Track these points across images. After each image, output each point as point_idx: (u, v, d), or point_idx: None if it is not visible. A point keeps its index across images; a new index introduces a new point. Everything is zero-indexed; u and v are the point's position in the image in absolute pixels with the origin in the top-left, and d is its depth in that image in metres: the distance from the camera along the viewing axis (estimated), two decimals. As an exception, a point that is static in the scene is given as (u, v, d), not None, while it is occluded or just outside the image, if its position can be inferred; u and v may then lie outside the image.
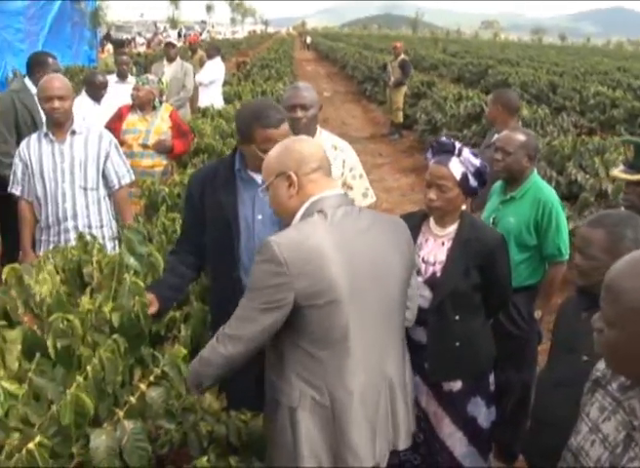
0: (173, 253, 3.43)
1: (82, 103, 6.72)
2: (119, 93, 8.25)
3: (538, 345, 4.32)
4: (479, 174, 3.21)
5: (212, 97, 10.76)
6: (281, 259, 2.27)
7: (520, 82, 19.77)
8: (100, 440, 2.10)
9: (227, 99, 11.16)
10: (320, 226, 2.36)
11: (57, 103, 4.37)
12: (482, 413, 3.32)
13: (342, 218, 2.40)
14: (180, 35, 46.61)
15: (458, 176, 3.16)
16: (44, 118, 5.72)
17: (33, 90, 5.85)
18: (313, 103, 4.03)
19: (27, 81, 5.95)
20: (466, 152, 3.21)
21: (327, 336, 2.34)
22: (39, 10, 16.00)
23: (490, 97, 6.02)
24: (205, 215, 3.27)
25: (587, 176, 7.27)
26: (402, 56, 15.75)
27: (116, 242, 4.60)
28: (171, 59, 9.73)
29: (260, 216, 3.18)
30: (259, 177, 3.16)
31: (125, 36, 33.01)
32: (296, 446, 2.38)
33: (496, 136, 5.59)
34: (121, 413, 2.16)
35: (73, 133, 4.49)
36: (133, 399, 2.20)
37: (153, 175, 6.01)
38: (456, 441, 3.30)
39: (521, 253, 3.97)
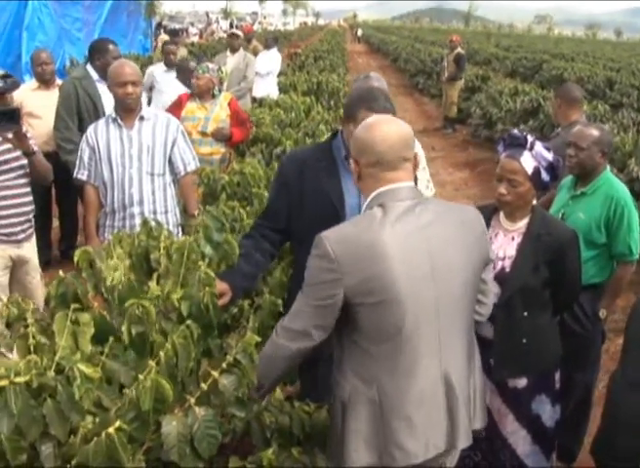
0: (248, 236, 3.36)
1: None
2: (168, 80, 8.34)
3: (601, 345, 4.24)
4: (551, 168, 3.13)
5: (268, 88, 10.78)
6: (332, 255, 2.23)
7: (576, 77, 19.38)
8: (171, 426, 2.08)
9: (283, 90, 11.16)
10: (377, 221, 2.28)
11: (130, 89, 4.38)
12: (547, 412, 3.26)
13: (404, 213, 2.30)
14: (231, 26, 46.72)
15: (529, 171, 3.10)
16: (106, 104, 5.80)
17: (95, 76, 5.92)
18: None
19: (89, 68, 6.01)
20: (539, 146, 3.14)
21: (380, 334, 2.29)
22: (96, -1, 16.21)
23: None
24: (301, 201, 3.21)
25: (651, 174, 7.10)
26: (458, 49, 15.56)
27: (179, 228, 4.60)
28: (234, 50, 9.75)
29: (360, 201, 3.11)
30: None
31: (177, 26, 33.22)
32: (344, 440, 2.36)
33: (559, 130, 5.50)
34: (192, 400, 2.14)
35: (141, 118, 4.50)
36: (204, 386, 2.18)
37: (212, 162, 6.02)
38: (519, 439, 3.25)
39: (589, 250, 3.86)
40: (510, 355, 3.14)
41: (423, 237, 2.31)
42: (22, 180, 4.37)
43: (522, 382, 3.20)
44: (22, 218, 4.40)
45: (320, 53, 21.57)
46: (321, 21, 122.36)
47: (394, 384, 2.30)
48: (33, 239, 4.57)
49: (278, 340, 2.40)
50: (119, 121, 4.48)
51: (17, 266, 4.44)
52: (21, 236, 4.40)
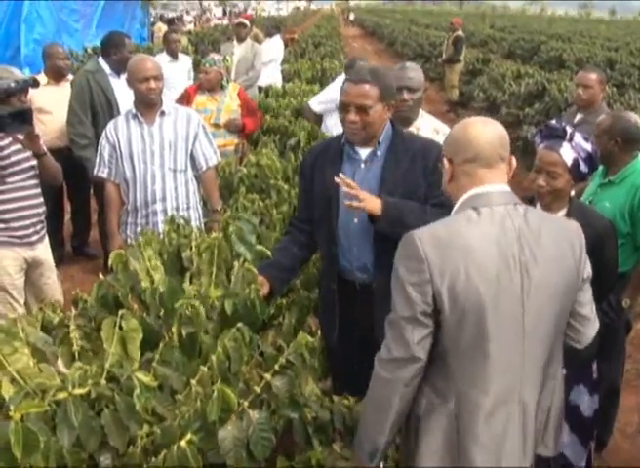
0: (286, 232, 3.45)
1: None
2: (173, 71, 8.25)
3: (627, 335, 4.21)
4: (590, 158, 3.10)
5: (271, 76, 10.70)
6: (422, 255, 2.11)
7: (575, 58, 19.30)
8: (226, 431, 2.06)
9: (287, 78, 11.09)
10: (471, 225, 2.16)
11: (152, 84, 4.33)
12: (585, 401, 3.25)
13: (498, 219, 2.18)
14: (225, 13, 46.57)
15: (569, 162, 3.06)
16: (119, 98, 5.74)
17: (107, 70, 5.87)
18: (420, 85, 3.99)
19: (101, 61, 5.95)
20: (578, 137, 3.10)
21: (463, 346, 2.16)
22: (93, -11, 16.08)
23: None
24: (312, 190, 3.26)
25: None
26: (458, 32, 15.50)
27: (202, 225, 4.56)
28: (241, 40, 9.67)
29: None
30: (363, 152, 3.15)
31: (172, 14, 33.01)
32: (417, 453, 2.27)
33: (578, 116, 5.45)
34: (246, 403, 2.11)
35: (162, 114, 4.45)
36: (257, 389, 2.15)
37: (226, 154, 5.97)
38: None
39: (614, 239, 3.83)
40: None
41: (517, 247, 2.17)
42: (34, 181, 4.29)
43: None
44: (35, 220, 4.32)
45: (318, 38, 21.44)
46: (314, 6, 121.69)
47: (471, 403, 2.19)
48: (46, 240, 4.50)
49: (383, 377, 2.20)
50: (140, 117, 4.42)
51: (31, 268, 4.37)
52: (35, 238, 4.32)
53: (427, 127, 4.04)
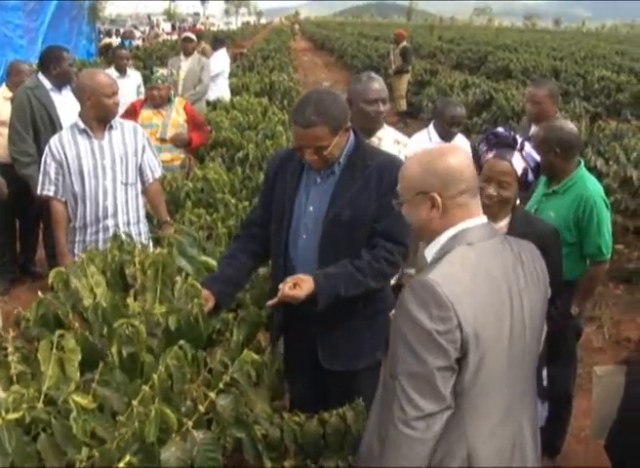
0: (236, 237, 3.35)
1: None
2: (122, 87, 8.15)
3: (577, 340, 4.24)
4: (537, 168, 3.11)
5: (219, 90, 10.65)
6: (446, 302, 1.98)
7: (522, 68, 19.69)
8: (169, 452, 2.00)
9: (235, 91, 11.05)
10: (470, 263, 2.10)
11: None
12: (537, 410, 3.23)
13: (495, 252, 2.16)
14: (174, 28, 46.40)
15: (519, 172, 3.06)
16: (61, 114, 5.64)
17: (48, 85, 5.78)
18: (387, 96, 3.99)
19: (41, 77, 5.84)
20: (528, 147, 3.11)
21: (477, 386, 2.07)
22: (38, 5, 15.86)
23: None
24: (271, 197, 3.19)
25: (610, 163, 7.18)
26: (404, 43, 15.64)
27: (150, 239, 4.48)
28: (188, 54, 9.63)
29: (311, 208, 3.06)
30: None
31: (122, 29, 32.79)
32: None
33: (533, 128, 5.48)
34: (190, 424, 2.06)
35: (110, 128, 4.37)
36: (202, 408, 2.10)
37: (172, 169, 5.92)
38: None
39: (559, 248, 3.84)
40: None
41: (514, 277, 2.16)
42: None
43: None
44: None
45: (267, 52, 21.47)
46: (263, 20, 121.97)
47: (486, 435, 2.12)
48: None
49: (414, 438, 2.01)
50: (89, 131, 4.32)
51: None
52: None
53: (389, 137, 4.06)
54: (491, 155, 3.13)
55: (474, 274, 2.08)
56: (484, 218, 2.21)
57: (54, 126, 5.58)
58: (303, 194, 3.09)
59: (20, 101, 5.70)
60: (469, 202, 2.16)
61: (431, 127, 5.21)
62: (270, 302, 2.93)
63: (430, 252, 2.22)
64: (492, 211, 3.16)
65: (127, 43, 20.25)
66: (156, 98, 6.20)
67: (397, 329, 2.09)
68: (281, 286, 2.87)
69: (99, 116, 4.29)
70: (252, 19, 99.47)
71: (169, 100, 6.27)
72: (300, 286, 2.85)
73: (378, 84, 3.96)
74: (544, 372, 3.30)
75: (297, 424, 2.79)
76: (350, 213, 2.97)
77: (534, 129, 5.38)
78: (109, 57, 11.44)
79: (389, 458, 2.08)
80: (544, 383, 3.30)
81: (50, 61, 5.78)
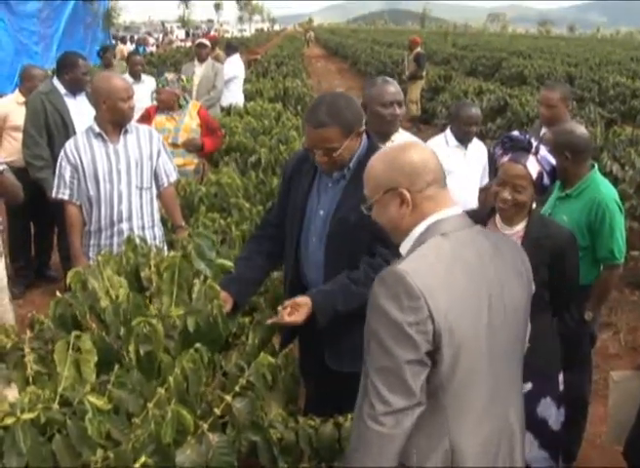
0: (253, 238, 3.38)
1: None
2: (137, 93, 8.17)
3: (592, 347, 4.20)
4: (553, 172, 3.09)
5: (233, 96, 10.66)
6: (417, 291, 1.93)
7: (536, 74, 19.63)
8: (184, 455, 1.99)
9: (249, 97, 11.07)
10: (446, 253, 2.05)
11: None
12: (553, 415, 3.21)
13: (471, 242, 2.11)
14: (188, 34, 46.60)
15: (534, 175, 3.04)
16: (75, 119, 5.67)
17: (62, 90, 5.79)
18: (402, 99, 4.01)
19: (55, 82, 5.88)
20: (543, 150, 3.08)
21: (454, 380, 2.03)
22: (53, 12, 16.02)
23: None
24: (287, 199, 3.20)
25: (626, 168, 7.13)
26: (418, 49, 15.65)
27: (165, 243, 4.48)
28: (202, 60, 9.66)
29: (321, 212, 3.06)
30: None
31: (135, 36, 33.00)
32: None
33: (543, 130, 5.45)
34: (205, 426, 2.05)
35: (125, 132, 4.37)
36: (217, 411, 2.09)
37: (186, 173, 5.91)
38: (526, 445, 3.18)
39: (573, 252, 3.80)
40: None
41: (492, 268, 2.12)
42: None
43: (527, 387, 3.12)
44: None
45: (281, 58, 21.52)
46: (277, 27, 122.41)
47: (469, 431, 2.08)
48: (2, 260, 4.37)
49: (381, 433, 1.96)
50: (104, 135, 4.32)
51: None
52: None
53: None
54: (506, 159, 3.11)
55: (449, 264, 2.04)
56: (458, 209, 2.17)
57: (67, 131, 5.60)
58: (315, 197, 3.10)
59: (34, 106, 5.73)
60: (438, 193, 2.12)
61: (448, 131, 5.19)
62: (270, 321, 2.94)
63: (404, 247, 2.17)
64: (507, 214, 3.14)
65: (141, 49, 20.37)
66: (160, 102, 6.22)
67: (368, 323, 2.04)
68: (279, 309, 2.89)
69: (114, 120, 4.29)
70: (265, 27, 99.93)
71: (180, 106, 6.28)
72: (297, 310, 2.87)
73: (393, 87, 3.95)
74: (560, 378, 3.27)
75: (312, 428, 2.77)
76: (355, 217, 2.91)
77: (544, 131, 5.36)
78: (107, 58, 11.46)
79: (358, 455, 2.02)
80: (560, 388, 3.26)
81: (64, 67, 5.81)
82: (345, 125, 2.91)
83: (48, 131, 5.72)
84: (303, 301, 2.88)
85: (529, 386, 3.15)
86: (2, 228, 4.32)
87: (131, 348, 2.23)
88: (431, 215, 2.11)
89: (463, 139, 5.04)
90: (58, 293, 2.67)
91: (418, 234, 2.12)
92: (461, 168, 4.89)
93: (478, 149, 5.16)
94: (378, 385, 1.96)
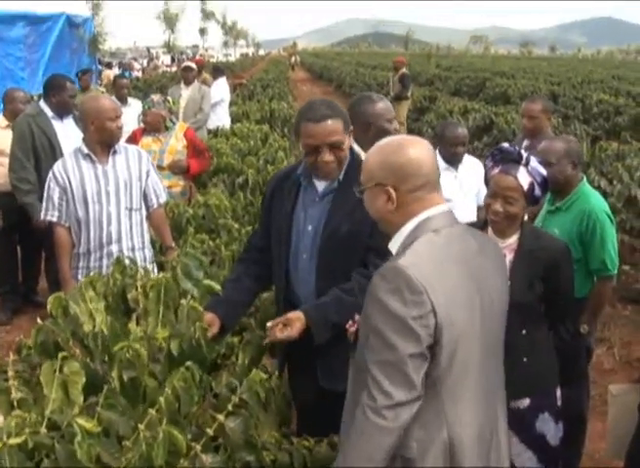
0: (240, 260, 3.32)
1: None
2: (123, 117, 8.15)
3: (588, 360, 4.16)
4: (545, 183, 3.06)
5: (220, 118, 10.67)
6: (419, 286, 1.96)
7: (520, 93, 19.73)
8: (177, 477, 1.93)
9: (235, 119, 11.06)
10: (439, 249, 2.10)
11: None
12: (551, 430, 3.17)
13: (460, 238, 2.16)
14: (173, 60, 46.68)
15: (525, 187, 3.02)
16: (62, 142, 5.62)
17: (49, 113, 5.76)
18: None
19: (42, 104, 5.84)
20: (534, 161, 3.06)
21: (452, 373, 2.06)
22: (39, 37, 16.00)
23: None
24: (269, 219, 3.15)
25: (614, 182, 7.15)
26: (403, 70, 15.71)
27: (154, 264, 4.42)
28: (188, 83, 9.65)
29: (309, 227, 3.01)
30: (320, 185, 3.03)
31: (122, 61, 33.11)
32: None
33: (525, 141, 5.46)
34: (198, 447, 1.99)
35: (114, 152, 4.33)
36: (210, 431, 2.03)
37: (172, 196, 5.84)
38: (525, 460, 3.14)
39: (566, 265, 3.77)
40: (511, 375, 3.01)
41: (479, 263, 2.17)
42: None
43: (525, 402, 3.10)
44: None
45: (267, 81, 21.60)
46: (261, 52, 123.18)
47: (466, 423, 2.10)
48: None
49: (382, 426, 1.96)
50: (92, 156, 4.27)
51: None
52: None
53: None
54: (496, 171, 3.09)
55: (443, 259, 2.09)
56: (445, 206, 2.20)
57: (55, 154, 5.54)
58: (301, 214, 3.04)
59: (21, 129, 5.68)
60: (426, 196, 2.16)
61: (436, 153, 5.14)
62: (266, 341, 2.88)
63: (394, 244, 2.21)
64: (499, 227, 3.11)
65: (127, 74, 20.40)
66: (146, 124, 6.19)
67: (367, 318, 2.06)
68: (269, 325, 2.82)
69: (102, 140, 4.25)
70: (250, 51, 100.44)
71: (167, 127, 6.23)
72: (289, 325, 2.80)
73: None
74: (558, 393, 3.22)
75: (306, 448, 2.72)
76: (347, 228, 2.91)
77: (526, 142, 5.38)
78: (85, 81, 11.52)
79: (354, 447, 2.02)
80: (558, 404, 3.22)
81: (51, 89, 5.78)
82: (345, 120, 2.93)
83: (35, 154, 5.67)
84: (295, 316, 2.81)
85: (527, 402, 3.11)
86: None
87: (114, 374, 2.17)
88: (421, 213, 2.15)
89: (452, 161, 4.93)
90: (39, 320, 2.61)
91: (408, 231, 2.15)
92: (454, 192, 4.71)
93: (472, 167, 5.05)
94: (379, 378, 1.98)
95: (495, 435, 2.22)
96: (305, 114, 2.92)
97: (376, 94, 4.12)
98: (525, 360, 3.06)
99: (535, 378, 3.10)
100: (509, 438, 2.92)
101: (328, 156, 2.89)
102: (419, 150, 2.17)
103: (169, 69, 37.56)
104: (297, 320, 2.80)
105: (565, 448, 3.47)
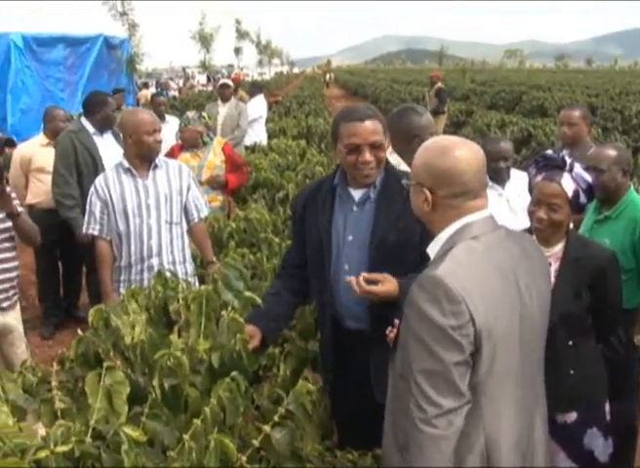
0: (278, 275, 3.32)
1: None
2: (162, 132, 8.22)
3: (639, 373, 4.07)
4: (590, 190, 3.00)
5: (257, 135, 10.73)
6: (458, 296, 1.94)
7: (557, 106, 19.54)
8: (223, 488, 1.91)
9: (272, 135, 11.11)
10: (479, 256, 2.07)
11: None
12: (600, 446, 3.08)
13: (500, 244, 2.13)
14: (209, 79, 47.12)
15: (569, 193, 2.96)
16: (104, 157, 5.68)
17: (91, 129, 5.83)
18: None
19: (84, 121, 5.92)
20: (578, 167, 3.01)
21: (492, 379, 2.05)
22: (78, 59, 16.32)
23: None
24: (304, 234, 3.14)
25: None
26: (439, 84, 15.68)
27: (196, 278, 4.43)
28: (225, 100, 9.75)
29: (350, 237, 2.98)
30: (357, 194, 3.01)
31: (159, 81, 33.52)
32: None
33: (564, 151, 5.38)
34: (244, 458, 1.97)
35: (155, 167, 4.36)
36: (256, 442, 2.01)
37: (210, 211, 5.88)
38: (573, 477, 3.06)
39: (617, 275, 3.69)
40: (558, 388, 2.94)
41: (522, 269, 2.15)
42: (7, 244, 4.12)
43: (572, 417, 3.03)
44: (7, 285, 4.12)
45: (302, 98, 21.70)
46: (296, 70, 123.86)
47: (500, 429, 2.08)
48: (18, 307, 4.30)
49: (437, 435, 1.96)
50: (133, 171, 4.31)
51: (1, 336, 4.15)
52: (6, 304, 4.12)
53: None
54: (540, 178, 3.04)
55: (483, 266, 2.07)
56: (487, 211, 2.17)
57: (97, 169, 5.61)
58: (340, 223, 3.01)
59: (64, 145, 5.75)
60: (465, 204, 2.13)
61: None
62: (349, 279, 2.73)
63: (433, 249, 2.19)
64: (544, 235, 3.05)
65: (164, 94, 20.63)
66: (184, 141, 6.24)
67: (408, 326, 2.05)
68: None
69: (140, 153, 4.28)
70: (284, 69, 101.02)
71: (204, 143, 6.28)
72: (382, 282, 2.70)
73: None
74: (607, 407, 3.14)
75: (350, 462, 2.69)
76: (394, 236, 2.89)
77: (565, 152, 5.28)
78: (119, 99, 11.77)
79: (416, 459, 2.01)
80: (607, 418, 3.13)
81: (94, 105, 5.86)
82: (384, 124, 2.95)
83: (78, 169, 5.74)
84: (392, 280, 2.72)
85: (574, 416, 3.04)
86: (18, 274, 4.25)
87: (155, 382, 2.16)
88: (462, 218, 2.13)
89: (496, 178, 4.54)
90: (79, 331, 2.62)
91: (446, 237, 2.14)
92: (501, 212, 4.42)
93: (522, 182, 4.79)
94: (424, 388, 1.97)
95: (531, 445, 2.19)
96: (346, 115, 2.94)
97: (419, 106, 4.10)
98: (572, 372, 2.99)
99: (582, 391, 3.03)
100: (551, 451, 2.86)
101: (369, 156, 2.88)
102: (464, 156, 2.13)
103: (205, 88, 37.91)
104: (391, 283, 2.72)
105: (614, 464, 3.38)
